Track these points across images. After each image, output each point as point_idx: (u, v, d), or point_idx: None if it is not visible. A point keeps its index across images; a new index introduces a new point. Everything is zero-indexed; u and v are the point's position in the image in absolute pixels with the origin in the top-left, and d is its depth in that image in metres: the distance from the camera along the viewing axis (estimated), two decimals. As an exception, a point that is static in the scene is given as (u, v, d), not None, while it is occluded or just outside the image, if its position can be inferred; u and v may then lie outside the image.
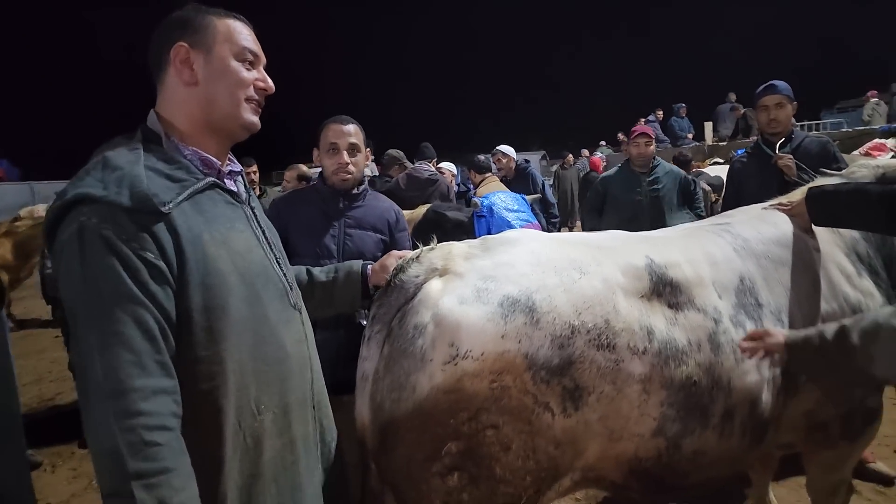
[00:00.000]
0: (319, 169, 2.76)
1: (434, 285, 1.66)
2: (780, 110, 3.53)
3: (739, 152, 6.12)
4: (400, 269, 1.77)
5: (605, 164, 11.95)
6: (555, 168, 15.25)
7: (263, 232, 1.51)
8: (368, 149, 2.70)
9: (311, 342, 1.59)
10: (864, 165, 2.51)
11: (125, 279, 1.17)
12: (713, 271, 1.96)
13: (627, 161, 4.71)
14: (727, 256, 2.04)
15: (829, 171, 2.64)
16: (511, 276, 1.67)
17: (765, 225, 2.20)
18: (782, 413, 1.99)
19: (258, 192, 6.49)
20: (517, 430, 1.57)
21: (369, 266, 1.92)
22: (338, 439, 1.67)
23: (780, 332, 1.79)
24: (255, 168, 6.44)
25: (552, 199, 6.30)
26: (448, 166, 6.29)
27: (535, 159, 18.85)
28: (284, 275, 1.51)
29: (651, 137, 4.63)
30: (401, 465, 1.59)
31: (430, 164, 5.67)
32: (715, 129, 14.46)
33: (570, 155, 13.97)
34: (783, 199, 2.39)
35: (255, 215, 1.51)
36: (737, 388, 1.83)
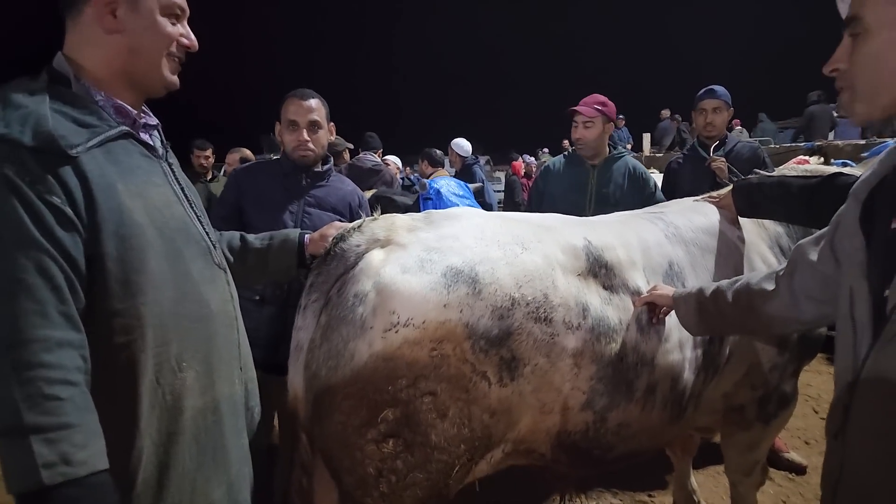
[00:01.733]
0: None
1: (376, 255, 1.66)
2: (716, 115, 3.73)
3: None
4: (340, 238, 1.75)
5: (534, 170, 12.13)
6: (500, 174, 15.38)
7: (182, 189, 1.45)
8: (331, 123, 2.63)
9: (237, 304, 1.55)
10: (793, 169, 2.67)
11: (28, 224, 1.10)
12: (645, 256, 2.06)
13: (571, 153, 3.73)
14: (658, 242, 2.14)
15: (760, 171, 2.80)
16: (455, 248, 1.68)
17: (696, 215, 2.33)
18: (702, 393, 2.11)
19: (209, 177, 6.28)
20: (454, 398, 1.59)
21: (307, 235, 1.88)
22: (272, 414, 1.66)
23: (669, 289, 1.91)
24: (208, 152, 6.25)
25: (491, 200, 6.26)
26: (393, 159, 6.30)
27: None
28: (207, 234, 1.47)
29: (595, 114, 3.46)
30: (335, 431, 1.58)
31: (376, 155, 5.65)
32: (659, 143, 14.97)
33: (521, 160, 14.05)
34: (714, 193, 2.52)
35: (174, 171, 1.46)
36: (659, 365, 1.93)
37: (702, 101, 3.78)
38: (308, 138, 2.50)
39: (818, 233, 1.48)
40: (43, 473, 1.04)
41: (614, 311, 1.86)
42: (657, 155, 13.82)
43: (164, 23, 1.35)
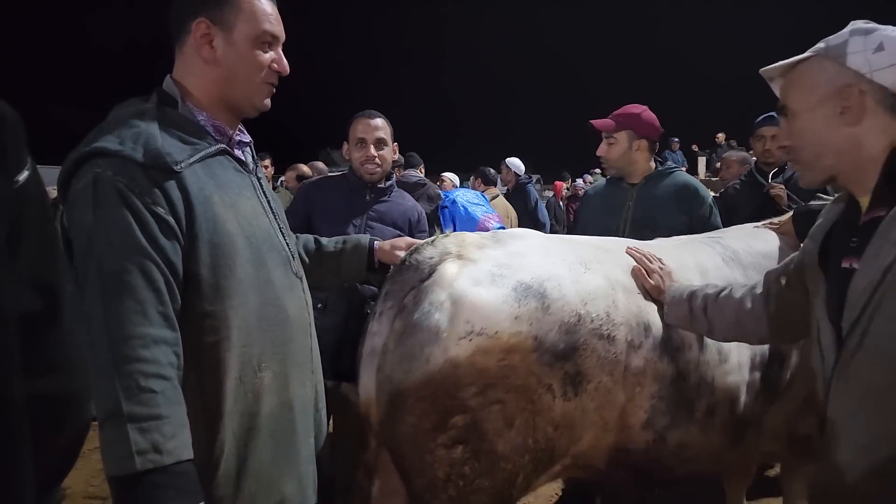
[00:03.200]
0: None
1: (450, 267, 1.74)
2: (775, 142, 3.60)
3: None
4: (415, 251, 1.85)
5: (581, 192, 11.90)
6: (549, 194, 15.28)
7: (269, 202, 1.57)
8: (395, 143, 2.79)
9: (311, 311, 1.65)
10: (820, 196, 2.67)
11: (135, 231, 1.23)
12: (703, 279, 2.08)
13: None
14: (717, 265, 2.17)
15: (823, 196, 2.76)
16: (524, 265, 1.76)
17: (755, 240, 2.35)
18: (763, 417, 2.10)
19: (271, 187, 6.60)
20: (520, 408, 1.65)
21: (376, 241, 2.00)
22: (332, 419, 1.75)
23: (665, 282, 1.92)
24: (268, 163, 6.57)
25: (544, 219, 6.34)
26: (450, 176, 6.44)
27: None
28: (287, 244, 1.58)
29: (612, 126, 2.97)
30: (407, 433, 1.66)
31: (418, 172, 5.83)
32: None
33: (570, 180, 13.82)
34: (774, 219, 2.52)
35: (262, 185, 1.58)
36: (719, 386, 1.95)
37: (760, 128, 3.70)
38: (375, 154, 2.66)
39: (783, 264, 1.71)
40: (136, 460, 1.15)
41: (675, 330, 1.90)
42: (713, 179, 13.54)
43: (257, 53, 1.44)
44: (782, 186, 3.52)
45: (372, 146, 2.66)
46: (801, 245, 1.63)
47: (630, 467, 1.91)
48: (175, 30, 1.45)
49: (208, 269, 1.33)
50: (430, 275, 1.75)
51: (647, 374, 1.82)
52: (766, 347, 2.05)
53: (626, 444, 1.86)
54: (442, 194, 4.58)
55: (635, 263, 1.98)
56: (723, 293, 1.78)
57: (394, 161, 2.91)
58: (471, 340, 1.62)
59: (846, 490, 1.25)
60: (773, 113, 3.59)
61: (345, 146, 2.82)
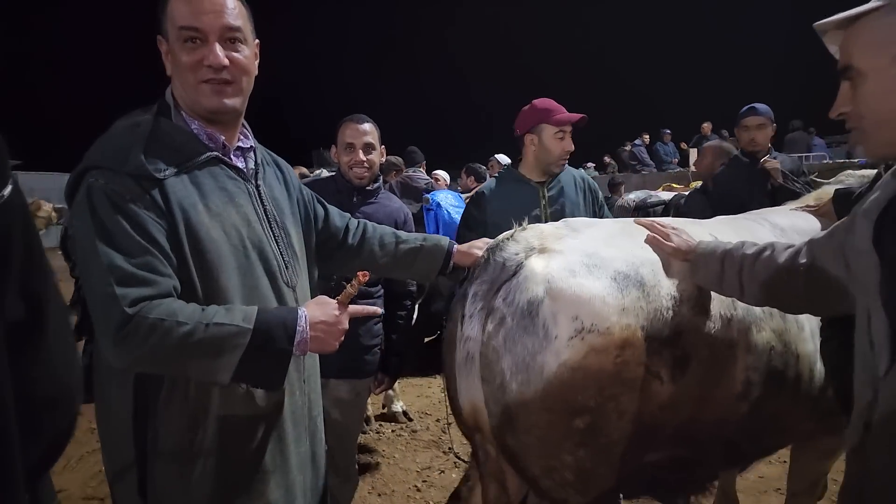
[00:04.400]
0: (328, 169, 2.89)
1: (538, 262, 1.67)
2: (759, 131, 3.81)
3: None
4: (496, 248, 1.77)
5: None
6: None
7: (265, 210, 1.56)
8: (383, 146, 2.83)
9: None
10: (850, 175, 2.71)
11: (129, 230, 1.29)
12: None
13: (513, 165, 3.04)
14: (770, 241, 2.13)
15: (818, 180, 2.87)
16: (613, 254, 1.70)
17: (797, 219, 2.33)
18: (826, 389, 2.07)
19: None
20: (632, 399, 1.61)
21: (455, 245, 1.97)
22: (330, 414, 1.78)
23: (690, 240, 1.79)
24: None
25: None
26: (442, 174, 6.46)
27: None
28: (281, 253, 1.57)
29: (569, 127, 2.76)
30: (534, 444, 1.61)
31: (422, 169, 5.83)
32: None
33: None
34: (810, 200, 2.51)
35: (260, 193, 1.57)
36: (801, 354, 1.94)
37: (744, 119, 3.84)
38: (364, 158, 2.69)
39: (827, 233, 1.48)
40: (242, 325, 1.30)
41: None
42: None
43: (183, 51, 1.40)
44: (776, 160, 3.67)
45: (360, 151, 2.69)
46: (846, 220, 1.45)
47: (724, 440, 1.90)
48: None
49: (192, 274, 1.37)
50: (516, 271, 1.67)
51: (739, 345, 1.80)
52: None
53: (723, 415, 1.84)
54: (428, 197, 4.65)
55: (707, 238, 1.88)
56: (764, 254, 1.59)
57: (392, 164, 2.95)
58: (583, 339, 1.55)
59: (887, 494, 1.13)
60: (755, 104, 3.83)
61: (333, 149, 2.84)
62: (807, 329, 1.97)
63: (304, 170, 5.77)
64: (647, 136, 15.29)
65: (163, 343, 1.24)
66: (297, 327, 1.37)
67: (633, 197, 7.84)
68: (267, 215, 1.56)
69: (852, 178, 2.66)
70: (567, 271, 1.62)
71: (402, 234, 2.01)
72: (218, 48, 1.40)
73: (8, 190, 0.76)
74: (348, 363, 2.61)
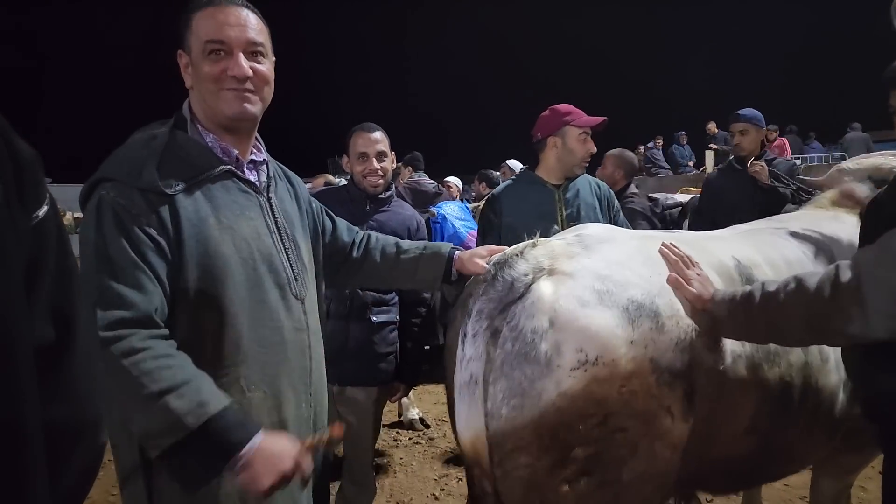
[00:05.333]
0: (345, 177, 2.90)
1: (546, 286, 1.59)
2: (743, 136, 4.04)
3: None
4: (504, 264, 1.69)
5: None
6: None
7: (276, 222, 1.58)
8: (393, 153, 2.84)
9: (315, 333, 1.65)
10: (843, 170, 2.60)
11: (126, 248, 1.32)
12: (790, 272, 1.89)
13: (530, 168, 3.02)
14: (798, 259, 2.04)
15: (807, 178, 2.91)
16: (629, 279, 1.62)
17: (825, 221, 2.25)
18: (849, 414, 2.01)
19: None
20: (641, 434, 1.55)
21: (457, 251, 1.93)
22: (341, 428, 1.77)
23: (707, 286, 1.67)
24: None
25: None
26: (454, 181, 6.46)
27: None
28: (290, 266, 1.58)
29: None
30: (524, 474, 1.54)
31: (424, 175, 5.84)
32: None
33: None
34: (824, 202, 2.45)
35: (272, 206, 1.59)
36: (822, 387, 1.86)
37: (731, 125, 4.15)
38: (377, 167, 2.71)
39: (878, 245, 1.40)
40: (188, 419, 1.22)
41: None
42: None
43: (206, 63, 1.45)
44: (762, 164, 3.86)
45: (374, 159, 2.70)
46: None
47: (730, 472, 1.84)
48: None
49: (196, 288, 1.38)
50: (524, 294, 1.59)
51: (750, 380, 1.72)
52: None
53: (729, 451, 1.77)
54: (434, 210, 4.72)
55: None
56: (788, 288, 1.48)
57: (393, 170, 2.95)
58: (585, 371, 1.49)
59: None
60: (741, 110, 4.05)
61: (345, 159, 2.86)
62: (832, 360, 1.88)
63: (330, 177, 5.80)
64: (661, 139, 15.18)
65: (119, 384, 1.25)
66: (241, 451, 1.27)
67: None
68: (278, 228, 1.58)
69: (846, 173, 2.56)
70: (576, 300, 1.55)
71: (405, 243, 1.99)
72: (242, 59, 1.46)
73: (43, 210, 0.77)
74: (363, 371, 2.63)
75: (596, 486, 1.53)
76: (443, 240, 4.51)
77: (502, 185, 3.18)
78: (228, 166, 1.50)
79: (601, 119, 2.83)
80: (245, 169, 1.56)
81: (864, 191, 2.33)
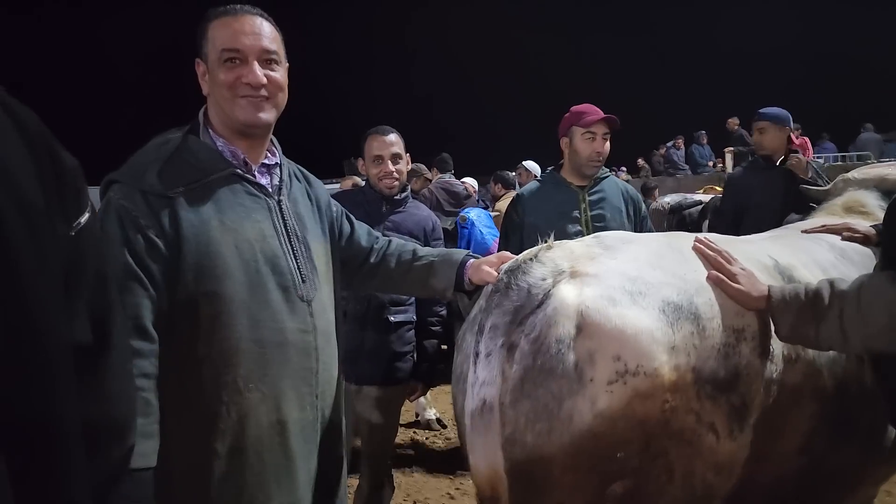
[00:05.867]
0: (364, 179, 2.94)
1: (568, 289, 1.39)
2: (762, 135, 3.90)
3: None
4: (517, 270, 1.48)
5: None
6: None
7: (285, 224, 1.58)
8: (408, 154, 2.86)
9: (323, 335, 1.60)
10: (848, 181, 2.56)
11: (124, 253, 1.34)
12: (825, 276, 1.75)
13: (556, 169, 3.00)
14: (832, 262, 1.89)
15: (811, 188, 2.90)
16: (662, 277, 1.43)
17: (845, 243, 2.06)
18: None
19: None
20: (679, 456, 1.34)
21: (471, 259, 1.80)
22: (349, 426, 1.79)
23: (760, 284, 1.50)
24: None
25: None
26: (470, 181, 6.46)
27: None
28: (298, 268, 1.56)
29: (611, 129, 2.81)
30: None
31: (452, 176, 5.84)
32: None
33: None
34: (837, 209, 2.38)
35: (281, 208, 1.59)
36: (877, 403, 1.65)
37: (753, 122, 4.02)
38: (392, 169, 2.72)
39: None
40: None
41: None
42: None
43: (222, 71, 1.49)
44: (800, 156, 3.71)
45: (389, 162, 2.72)
46: None
47: (775, 498, 1.64)
48: None
49: (194, 288, 1.40)
50: (543, 301, 1.38)
51: (804, 391, 1.53)
52: None
53: (779, 473, 1.58)
54: (464, 214, 4.68)
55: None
56: (865, 288, 1.37)
57: (415, 171, 2.97)
58: (625, 384, 1.27)
59: None
60: (764, 109, 3.94)
61: (360, 162, 2.88)
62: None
63: (358, 180, 5.84)
64: (682, 140, 15.04)
65: None
66: None
67: (668, 200, 7.69)
68: (287, 230, 1.58)
69: (852, 183, 2.51)
70: (606, 300, 1.34)
71: (422, 250, 1.92)
72: (257, 67, 1.49)
73: (85, 218, 0.80)
74: (381, 370, 2.64)
75: None
76: (469, 245, 4.50)
77: (528, 185, 3.21)
78: (234, 169, 1.52)
79: (598, 117, 2.73)
80: (256, 172, 1.58)
81: (863, 225, 2.11)
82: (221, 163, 1.51)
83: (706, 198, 7.14)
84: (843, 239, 2.00)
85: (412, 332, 2.77)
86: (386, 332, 2.65)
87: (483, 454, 1.38)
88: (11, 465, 0.65)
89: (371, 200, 2.78)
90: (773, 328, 1.46)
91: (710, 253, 1.53)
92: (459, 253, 1.88)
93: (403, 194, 2.83)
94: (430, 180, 5.71)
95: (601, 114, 2.77)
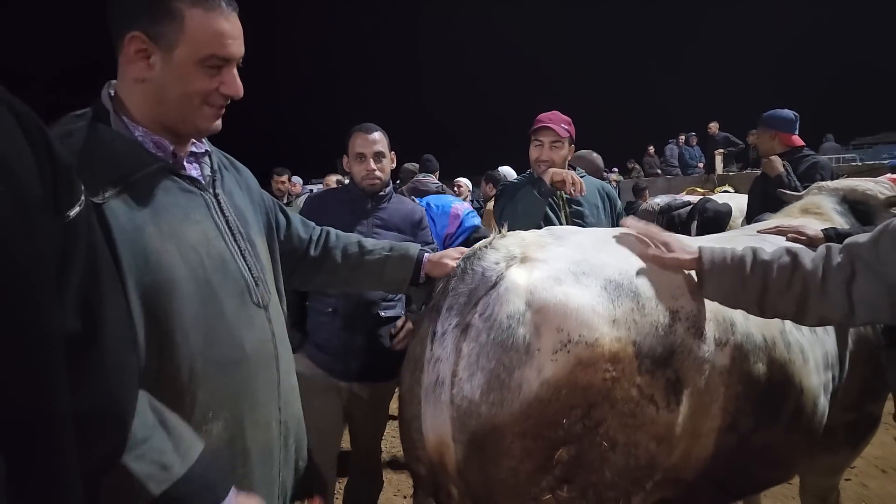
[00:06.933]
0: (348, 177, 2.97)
1: (518, 272, 1.50)
2: (757, 139, 4.25)
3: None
4: (473, 256, 1.59)
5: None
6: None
7: (227, 221, 1.39)
8: (392, 152, 2.88)
9: (282, 340, 1.47)
10: (822, 188, 2.74)
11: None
12: None
13: (531, 173, 3.13)
14: None
15: (786, 192, 3.03)
16: (604, 261, 1.55)
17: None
18: (827, 416, 1.98)
19: (286, 201, 6.73)
20: (623, 426, 1.43)
21: (426, 253, 1.83)
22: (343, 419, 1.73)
23: (692, 246, 1.63)
24: (285, 178, 6.74)
25: None
26: (464, 181, 6.53)
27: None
28: (249, 269, 1.39)
29: (562, 137, 2.95)
30: (505, 479, 1.38)
31: (435, 177, 5.90)
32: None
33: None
34: (794, 211, 2.55)
35: (219, 203, 1.39)
36: (805, 387, 1.82)
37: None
38: (375, 167, 2.72)
39: (870, 235, 1.48)
40: (150, 485, 1.01)
41: (756, 327, 1.74)
42: (730, 173, 13.43)
43: (200, 76, 1.27)
44: (778, 158, 3.86)
45: (371, 160, 2.72)
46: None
47: (711, 475, 1.74)
48: (113, 31, 1.26)
49: (139, 309, 1.17)
50: (496, 282, 1.49)
51: (732, 373, 1.65)
52: (831, 346, 1.95)
53: (710, 450, 1.69)
54: (416, 200, 4.83)
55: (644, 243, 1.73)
56: (783, 260, 1.52)
57: (410, 171, 2.99)
58: (568, 352, 1.37)
59: None
60: (764, 113, 4.07)
61: (344, 159, 2.89)
62: (811, 362, 1.86)
63: (341, 177, 5.85)
64: (683, 137, 15.23)
65: None
66: None
67: (659, 201, 7.79)
68: (230, 227, 1.39)
69: (825, 191, 2.69)
70: (552, 280, 1.46)
71: (368, 242, 1.89)
72: (237, 77, 1.33)
73: (75, 211, 0.80)
74: (371, 366, 2.63)
75: (578, 491, 1.39)
76: (435, 222, 4.53)
77: (509, 183, 3.37)
78: (163, 163, 1.29)
79: (537, 126, 2.95)
80: (185, 163, 1.37)
81: (813, 227, 2.32)
82: (145, 156, 1.26)
83: (695, 199, 7.24)
84: (788, 240, 2.17)
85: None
86: (376, 328, 2.68)
87: (432, 424, 1.47)
88: (6, 457, 0.64)
89: (355, 198, 2.80)
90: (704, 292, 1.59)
91: (641, 228, 1.69)
92: (414, 247, 1.87)
93: (387, 190, 2.86)
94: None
95: (542, 122, 2.96)
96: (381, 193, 2.82)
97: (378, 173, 2.74)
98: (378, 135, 2.78)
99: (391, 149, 2.85)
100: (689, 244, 1.64)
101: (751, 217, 3.82)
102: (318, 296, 2.61)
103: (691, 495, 1.77)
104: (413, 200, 4.63)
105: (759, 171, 4.50)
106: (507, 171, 6.65)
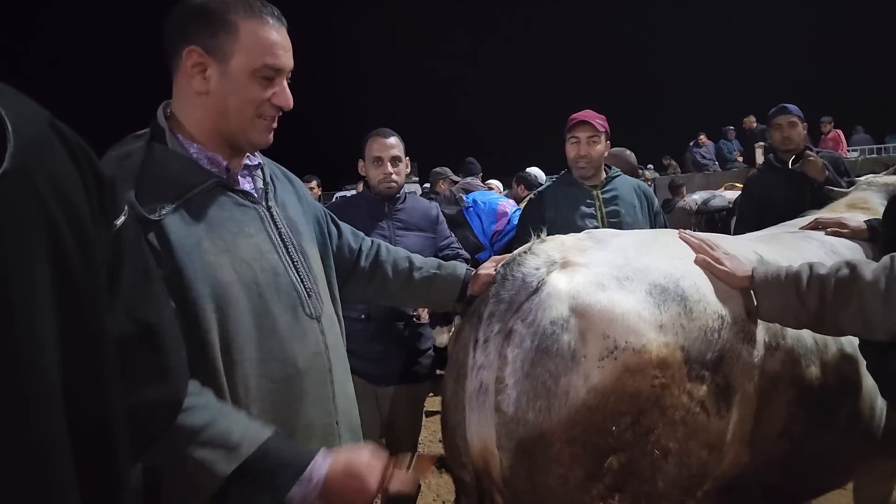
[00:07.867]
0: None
1: (560, 277, 1.49)
2: (792, 129, 3.85)
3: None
4: (513, 262, 1.58)
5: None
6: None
7: (280, 233, 1.41)
8: (408, 157, 2.92)
9: (335, 351, 1.47)
10: (871, 183, 2.62)
11: None
12: None
13: (569, 171, 3.13)
14: (821, 259, 1.90)
15: (837, 188, 2.94)
16: (648, 264, 1.52)
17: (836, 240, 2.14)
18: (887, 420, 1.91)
19: None
20: (674, 434, 1.41)
21: (472, 272, 1.82)
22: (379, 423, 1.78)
23: (743, 264, 1.59)
24: (312, 185, 6.84)
25: None
26: (496, 183, 6.51)
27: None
28: (301, 281, 1.40)
29: (599, 131, 2.94)
30: (554, 487, 1.37)
31: (478, 180, 5.89)
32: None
33: None
34: (841, 207, 2.43)
35: (272, 215, 1.41)
36: (860, 390, 1.76)
37: (776, 118, 3.93)
38: (392, 171, 2.77)
39: None
40: (217, 467, 1.07)
41: (808, 330, 1.66)
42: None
43: (255, 86, 1.29)
44: (816, 157, 3.61)
45: (388, 164, 2.77)
46: None
47: (763, 482, 1.71)
48: (169, 51, 1.31)
49: (197, 325, 1.20)
50: (537, 288, 1.47)
51: (783, 378, 1.60)
52: None
53: (763, 457, 1.64)
54: (464, 198, 4.80)
55: (752, 256, 1.71)
56: (841, 273, 1.45)
57: (439, 174, 3.01)
58: (615, 359, 1.35)
59: None
60: (785, 104, 3.89)
61: (361, 164, 2.93)
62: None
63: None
64: (704, 136, 14.88)
65: None
66: (291, 490, 1.11)
67: (696, 198, 7.61)
68: (283, 240, 1.41)
69: (874, 186, 2.56)
70: (595, 285, 1.44)
71: (417, 259, 1.85)
72: (287, 89, 1.35)
73: (120, 220, 0.84)
74: (408, 369, 2.68)
75: (630, 501, 1.38)
76: (481, 218, 4.50)
77: (545, 184, 3.49)
78: (218, 178, 1.32)
79: (573, 121, 2.94)
80: (239, 177, 1.40)
81: (856, 219, 2.20)
82: (201, 173, 1.30)
83: (732, 195, 7.05)
84: (828, 234, 2.10)
85: (430, 329, 2.85)
86: (411, 331, 2.71)
87: (477, 431, 1.46)
88: (76, 456, 0.68)
89: (372, 201, 2.85)
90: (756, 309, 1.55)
91: (695, 241, 1.64)
92: (461, 267, 1.86)
93: (402, 192, 2.90)
94: (457, 182, 5.80)
95: (578, 118, 2.94)
96: (397, 196, 2.87)
97: (395, 177, 2.79)
98: (395, 139, 2.82)
99: (406, 154, 2.90)
100: (743, 260, 1.59)
101: (777, 217, 3.65)
102: (348, 302, 2.65)
103: (742, 499, 1.72)
104: (461, 199, 4.72)
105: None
106: (537, 173, 6.61)
